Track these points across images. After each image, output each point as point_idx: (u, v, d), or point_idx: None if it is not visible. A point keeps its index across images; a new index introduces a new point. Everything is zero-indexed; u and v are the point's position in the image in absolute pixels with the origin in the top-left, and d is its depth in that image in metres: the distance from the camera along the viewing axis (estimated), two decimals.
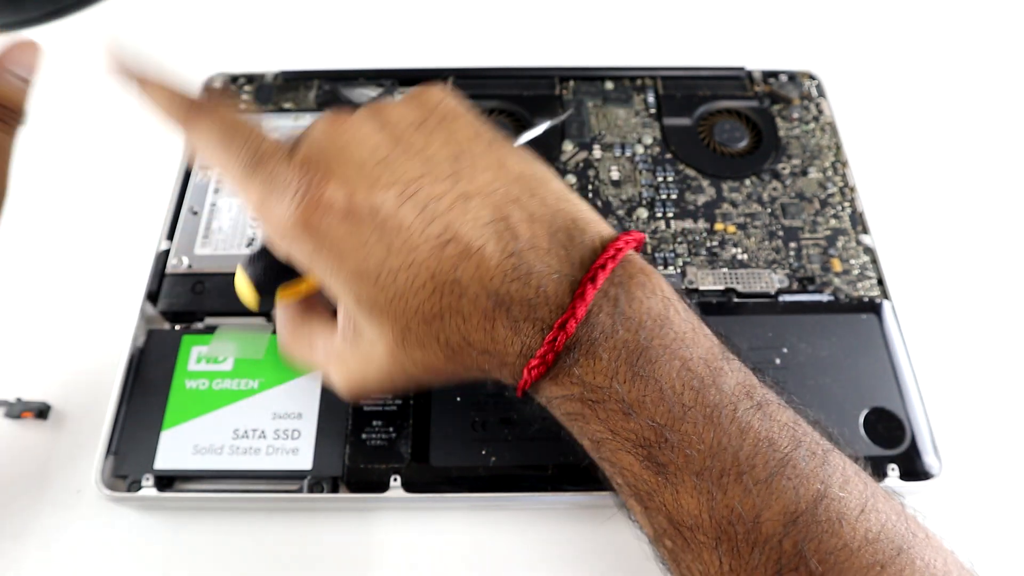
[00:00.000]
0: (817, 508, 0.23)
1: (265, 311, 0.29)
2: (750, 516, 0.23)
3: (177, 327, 0.36)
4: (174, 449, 0.32)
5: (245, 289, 0.28)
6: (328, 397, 0.33)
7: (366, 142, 0.26)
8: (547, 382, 0.26)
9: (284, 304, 0.31)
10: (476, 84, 0.45)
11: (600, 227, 0.27)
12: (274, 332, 0.34)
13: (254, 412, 0.33)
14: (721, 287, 0.38)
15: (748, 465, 0.23)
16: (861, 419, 0.34)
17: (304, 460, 0.32)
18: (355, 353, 0.28)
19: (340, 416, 0.33)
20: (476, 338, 0.25)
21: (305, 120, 0.43)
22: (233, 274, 0.37)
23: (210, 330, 0.35)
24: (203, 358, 0.34)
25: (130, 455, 0.32)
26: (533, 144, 0.43)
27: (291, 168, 0.26)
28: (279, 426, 0.33)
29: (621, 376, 0.24)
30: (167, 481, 0.33)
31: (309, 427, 0.33)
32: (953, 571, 0.23)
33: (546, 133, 0.43)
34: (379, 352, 0.27)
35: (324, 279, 0.26)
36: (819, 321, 0.36)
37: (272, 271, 0.28)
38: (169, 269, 0.37)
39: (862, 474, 0.24)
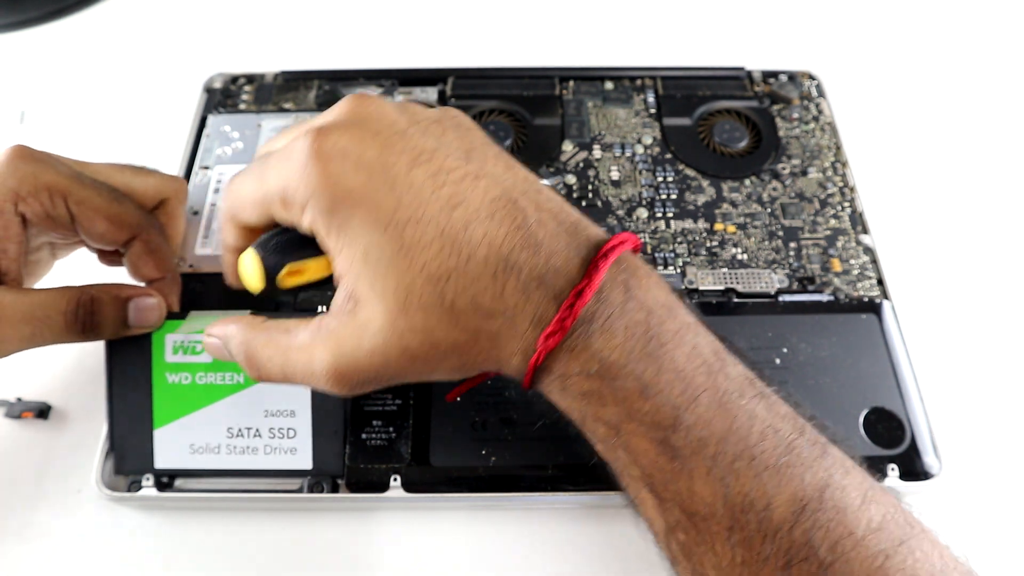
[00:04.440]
0: (823, 496, 0.23)
1: (267, 295, 0.28)
2: (761, 503, 0.23)
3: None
4: (170, 448, 0.32)
5: (253, 268, 0.28)
6: (319, 394, 0.32)
7: (386, 116, 0.27)
8: (563, 355, 0.25)
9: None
10: (476, 84, 0.46)
11: (601, 231, 0.27)
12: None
13: (245, 410, 0.32)
14: (721, 287, 0.38)
15: (758, 450, 0.24)
16: (861, 419, 0.34)
17: (303, 460, 0.32)
18: (349, 326, 0.26)
19: (335, 414, 0.32)
20: (484, 301, 0.25)
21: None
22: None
23: (179, 316, 0.33)
24: (179, 348, 0.32)
25: (128, 454, 0.32)
26: (532, 145, 0.43)
27: (308, 128, 0.27)
28: (273, 424, 0.32)
29: (636, 355, 0.25)
30: (167, 481, 0.33)
31: (304, 426, 0.32)
32: (950, 564, 0.23)
33: (546, 134, 0.43)
34: (377, 321, 0.26)
35: (333, 238, 0.26)
36: (819, 321, 0.36)
37: (282, 253, 0.28)
38: None
39: (859, 467, 0.25)
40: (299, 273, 0.28)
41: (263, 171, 0.27)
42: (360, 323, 0.26)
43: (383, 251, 0.25)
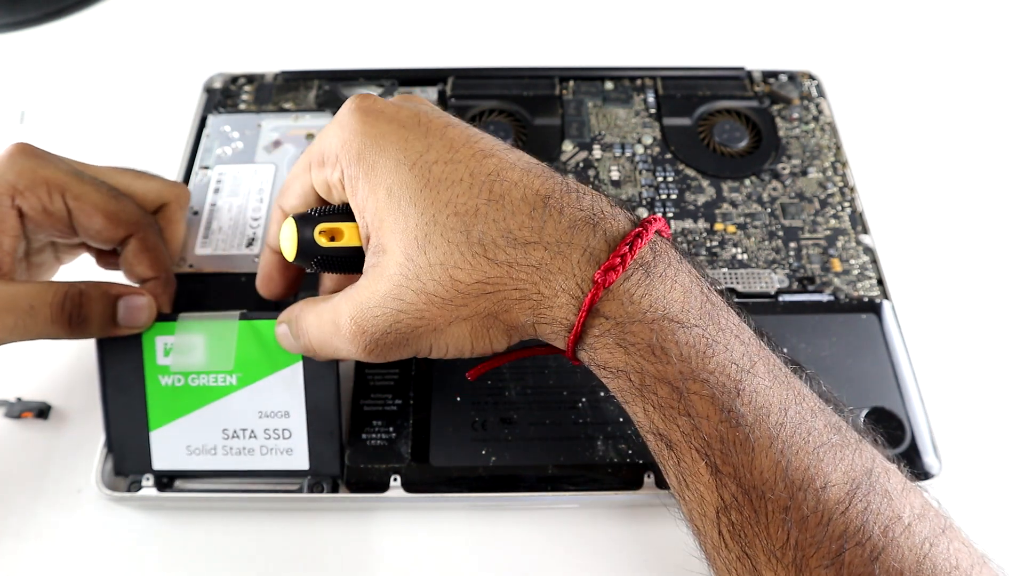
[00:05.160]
0: (871, 479, 0.23)
1: (303, 262, 0.28)
2: (819, 481, 0.22)
3: None
4: (167, 450, 0.32)
5: (289, 232, 0.28)
6: (313, 394, 0.32)
7: (422, 106, 0.28)
8: (622, 297, 0.24)
9: (297, 304, 0.30)
10: (476, 84, 0.46)
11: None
12: (242, 318, 0.32)
13: (239, 411, 0.32)
14: (721, 287, 0.38)
15: (814, 425, 0.23)
16: (861, 419, 0.34)
17: (300, 460, 0.32)
18: (370, 276, 0.26)
19: (329, 414, 0.32)
20: (521, 233, 0.24)
21: (305, 120, 0.43)
22: (234, 273, 0.36)
23: (170, 318, 0.33)
24: (170, 350, 0.32)
25: (127, 456, 0.32)
26: (532, 145, 0.43)
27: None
28: (268, 425, 0.32)
29: (696, 310, 0.24)
30: (167, 481, 0.33)
31: (299, 426, 0.32)
32: (979, 558, 0.23)
33: (546, 134, 0.43)
34: (395, 260, 0.25)
35: (360, 185, 0.26)
36: (819, 321, 0.36)
37: (317, 219, 0.28)
38: None
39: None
40: (332, 235, 0.28)
41: (308, 147, 0.29)
42: (380, 270, 0.26)
43: (407, 187, 0.25)
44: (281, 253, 0.30)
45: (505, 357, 0.29)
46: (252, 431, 0.32)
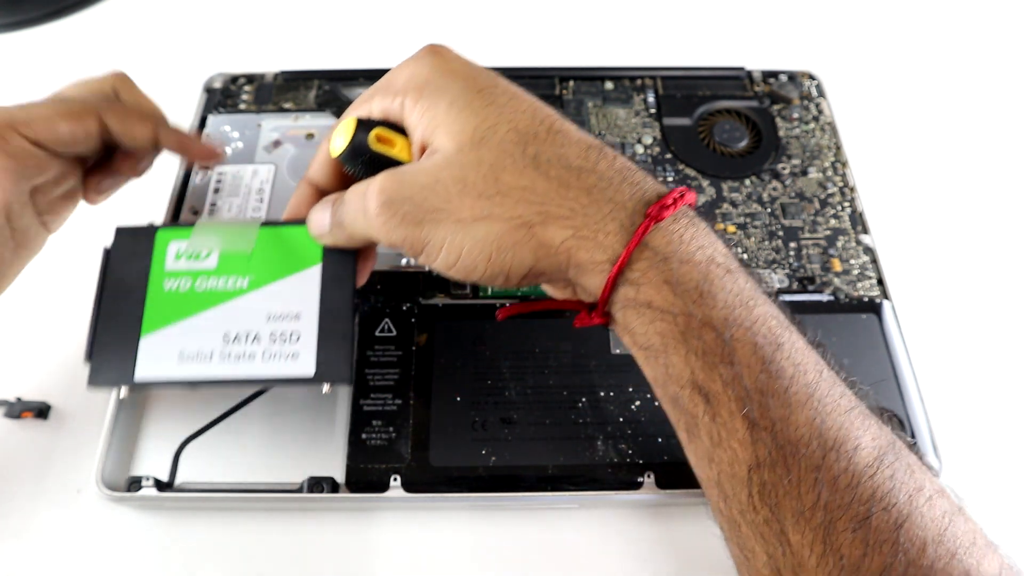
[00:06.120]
0: (896, 449, 0.23)
1: (349, 159, 0.28)
2: (851, 443, 0.22)
3: (151, 222, 0.33)
4: (156, 356, 0.29)
5: (347, 125, 0.28)
6: (329, 295, 0.30)
7: None
8: (672, 237, 0.24)
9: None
10: None
11: None
12: (264, 224, 0.32)
13: (246, 314, 0.30)
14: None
15: (845, 390, 0.23)
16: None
17: (306, 365, 0.29)
18: (415, 163, 0.27)
19: (344, 315, 0.30)
20: (576, 161, 0.25)
21: (305, 120, 0.43)
22: None
23: (188, 226, 0.32)
24: (182, 255, 0.31)
25: (107, 363, 0.30)
26: None
27: None
28: (275, 328, 0.30)
29: (736, 266, 0.25)
30: (167, 482, 0.33)
31: (310, 328, 0.30)
32: (988, 539, 0.23)
33: None
34: (444, 151, 0.25)
35: (422, 102, 0.27)
36: (819, 321, 0.36)
37: (376, 124, 0.28)
38: None
39: None
40: (386, 142, 0.28)
41: (376, 83, 0.30)
42: (425, 159, 0.26)
43: (470, 103, 0.26)
44: (318, 188, 0.30)
45: (535, 304, 0.29)
46: (256, 335, 0.30)
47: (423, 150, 0.27)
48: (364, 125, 0.28)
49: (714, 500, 0.24)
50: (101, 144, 0.32)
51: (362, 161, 0.28)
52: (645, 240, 0.24)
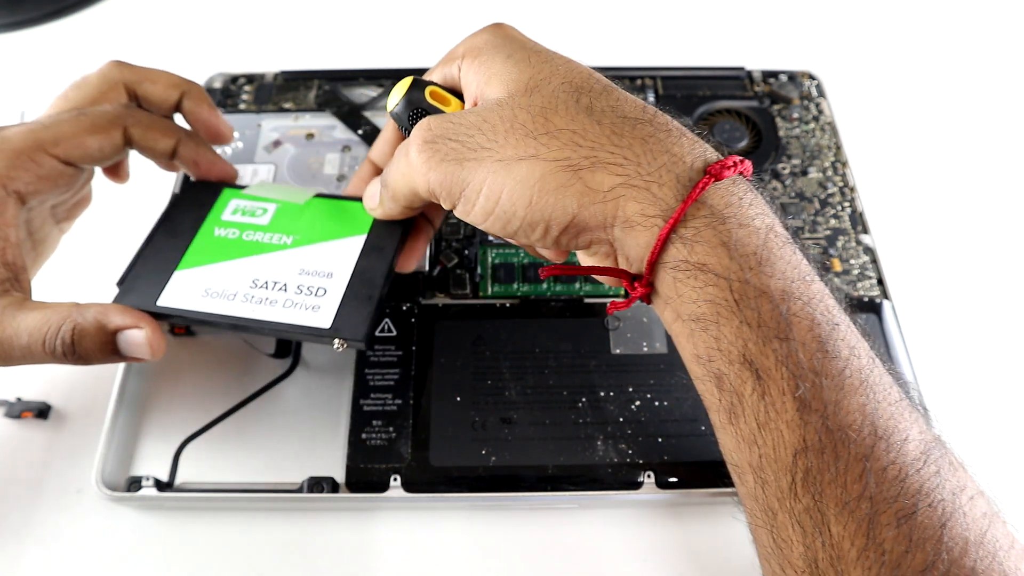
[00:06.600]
0: (941, 445, 0.22)
1: (399, 113, 0.29)
2: (900, 435, 0.21)
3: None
4: (183, 289, 0.31)
5: (404, 82, 0.29)
6: (365, 262, 0.31)
7: None
8: (731, 199, 0.23)
9: None
10: None
11: None
12: (322, 196, 0.34)
13: (281, 265, 0.31)
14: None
15: (894, 381, 0.22)
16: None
17: (324, 318, 0.30)
18: (463, 110, 0.27)
19: (375, 281, 0.31)
20: (632, 112, 0.24)
21: (305, 120, 0.43)
22: None
23: (244, 187, 0.35)
24: (240, 210, 0.33)
25: (135, 288, 0.31)
26: None
27: None
28: (304, 282, 0.31)
29: (797, 246, 0.24)
30: (167, 481, 0.33)
31: (337, 287, 0.30)
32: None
33: None
34: (494, 96, 0.25)
35: (479, 61, 0.27)
36: None
37: (432, 83, 0.29)
38: None
39: None
40: (440, 99, 0.29)
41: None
42: (472, 107, 0.26)
43: (528, 56, 0.26)
44: (379, 168, 0.32)
45: (581, 268, 0.26)
46: (284, 284, 0.31)
47: (475, 105, 0.27)
48: (419, 84, 0.29)
49: (749, 486, 0.23)
50: (126, 153, 0.33)
51: (415, 116, 0.28)
52: (703, 197, 0.23)
